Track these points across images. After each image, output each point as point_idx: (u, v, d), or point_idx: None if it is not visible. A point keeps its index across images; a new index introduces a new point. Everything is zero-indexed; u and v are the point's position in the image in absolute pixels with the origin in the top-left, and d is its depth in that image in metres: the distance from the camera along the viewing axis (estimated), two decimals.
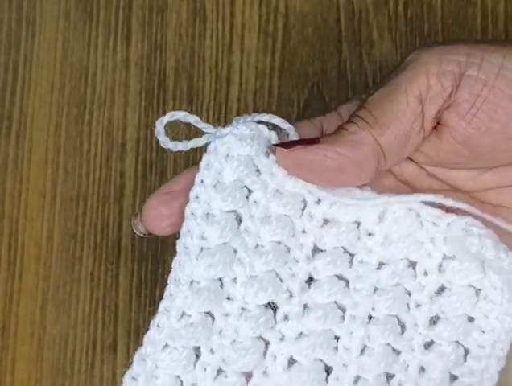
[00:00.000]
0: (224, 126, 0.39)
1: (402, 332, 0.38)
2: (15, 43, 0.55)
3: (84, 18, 0.55)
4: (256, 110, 0.53)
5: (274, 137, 0.38)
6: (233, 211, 0.38)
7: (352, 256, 0.39)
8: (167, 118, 0.38)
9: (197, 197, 0.38)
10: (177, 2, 0.55)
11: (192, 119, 0.39)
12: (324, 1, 0.54)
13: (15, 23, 0.55)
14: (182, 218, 0.38)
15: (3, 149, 0.53)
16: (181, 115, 0.39)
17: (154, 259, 0.52)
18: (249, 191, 0.38)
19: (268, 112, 0.39)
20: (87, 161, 0.53)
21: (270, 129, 0.38)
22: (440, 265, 0.39)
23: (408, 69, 0.37)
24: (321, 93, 0.53)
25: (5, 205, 0.53)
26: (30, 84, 0.54)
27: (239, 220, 0.38)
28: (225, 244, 0.38)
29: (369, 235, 0.39)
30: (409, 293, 0.39)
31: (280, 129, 0.39)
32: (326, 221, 0.39)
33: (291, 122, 0.39)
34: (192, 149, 0.39)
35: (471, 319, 0.39)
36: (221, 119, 0.53)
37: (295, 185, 0.38)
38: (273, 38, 0.54)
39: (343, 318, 0.38)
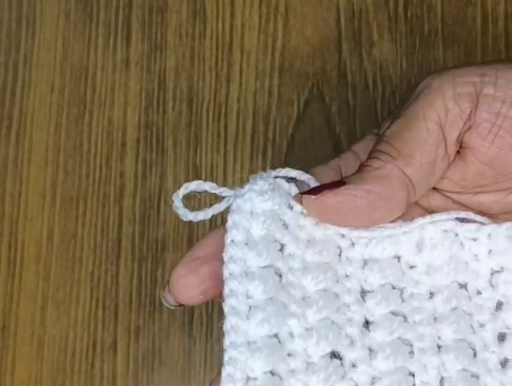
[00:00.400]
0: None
1: (475, 355, 0.37)
2: (15, 42, 0.55)
3: (84, 18, 0.55)
4: (256, 110, 0.53)
5: (294, 189, 0.38)
6: (271, 265, 0.37)
7: (401, 290, 0.38)
8: (182, 191, 0.38)
9: (232, 257, 0.37)
10: (177, 2, 0.55)
11: (207, 186, 0.38)
12: (324, 1, 0.54)
13: (15, 23, 0.55)
14: (213, 284, 0.37)
15: (3, 149, 0.53)
16: (195, 185, 0.38)
17: (154, 259, 0.52)
18: (282, 245, 0.37)
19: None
20: (87, 161, 0.53)
21: (288, 181, 0.38)
22: (491, 281, 0.38)
23: (422, 97, 0.37)
24: (321, 93, 0.53)
25: (5, 205, 0.53)
26: (30, 84, 0.54)
27: (279, 275, 0.37)
28: (271, 298, 0.37)
29: (411, 267, 0.38)
30: (470, 315, 0.38)
31: (298, 180, 0.38)
32: (366, 261, 0.38)
33: (307, 170, 0.39)
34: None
35: None
36: (221, 119, 0.53)
37: (326, 232, 0.38)
38: (273, 38, 0.54)
39: (412, 352, 0.37)
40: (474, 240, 0.38)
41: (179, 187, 0.37)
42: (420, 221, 0.38)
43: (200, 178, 0.36)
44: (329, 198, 0.36)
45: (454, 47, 0.53)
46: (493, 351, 0.37)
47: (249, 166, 0.52)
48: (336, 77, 0.53)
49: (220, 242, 0.37)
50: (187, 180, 0.51)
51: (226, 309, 0.36)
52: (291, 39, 0.53)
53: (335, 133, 0.52)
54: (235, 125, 0.53)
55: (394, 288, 0.38)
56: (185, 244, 0.52)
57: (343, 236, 0.38)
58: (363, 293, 0.38)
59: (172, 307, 0.38)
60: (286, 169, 0.38)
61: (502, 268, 0.38)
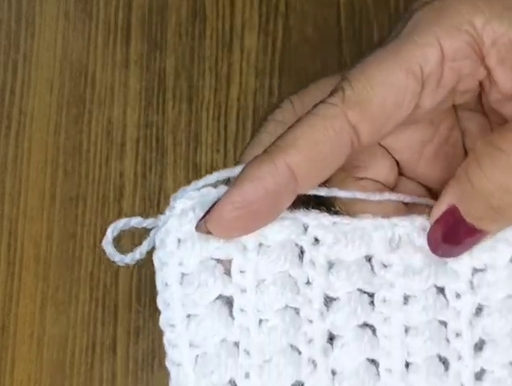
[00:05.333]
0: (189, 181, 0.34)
1: (447, 369, 0.34)
2: (15, 42, 0.55)
3: (83, 17, 0.55)
4: (256, 110, 0.53)
5: (223, 191, 0.33)
6: (219, 297, 0.33)
7: (371, 296, 0.34)
8: (110, 235, 0.34)
9: (167, 303, 0.33)
10: (177, 1, 0.55)
11: (134, 222, 0.34)
12: (325, 0, 0.54)
13: (15, 23, 0.55)
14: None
15: (2, 148, 0.53)
16: (122, 224, 0.34)
17: None
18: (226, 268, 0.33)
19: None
20: (86, 160, 0.53)
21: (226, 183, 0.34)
22: (471, 282, 0.34)
23: (408, 30, 0.33)
24: None
25: (4, 205, 0.53)
26: (30, 84, 0.54)
27: (230, 304, 0.33)
28: (221, 341, 0.33)
29: (385, 266, 0.34)
30: (445, 325, 0.34)
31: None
32: (331, 264, 0.34)
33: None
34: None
35: None
36: (221, 118, 0.53)
37: (280, 231, 0.33)
38: (273, 37, 0.53)
39: (378, 375, 0.34)
40: None
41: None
42: (377, 196, 0.34)
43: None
44: (217, 220, 0.32)
45: None
46: (467, 365, 0.34)
47: None
48: None
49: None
50: (187, 180, 0.52)
51: (169, 365, 0.33)
52: (292, 39, 0.53)
53: None
54: (235, 124, 0.53)
55: (362, 293, 0.34)
56: None
57: (304, 231, 0.33)
58: (327, 302, 0.34)
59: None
60: (216, 173, 0.34)
61: (486, 266, 0.34)
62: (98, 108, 0.53)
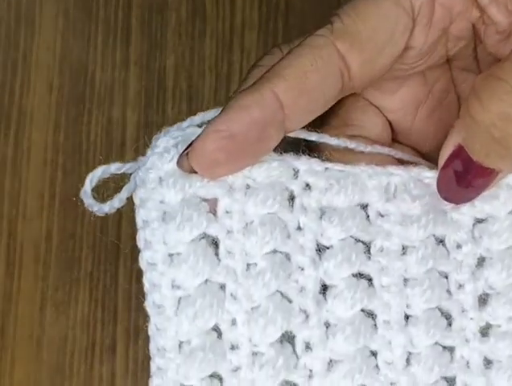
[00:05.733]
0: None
1: (450, 324, 0.32)
2: (14, 42, 0.55)
3: (83, 17, 0.55)
4: None
5: None
6: (203, 236, 0.31)
7: (367, 245, 0.32)
8: (88, 185, 0.33)
9: (148, 242, 0.31)
10: (177, 0, 0.54)
11: (113, 168, 0.33)
12: None
13: (14, 22, 0.55)
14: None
15: (2, 148, 0.53)
16: (100, 172, 0.33)
17: None
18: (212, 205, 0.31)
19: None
20: (86, 160, 0.53)
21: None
22: (473, 233, 0.32)
23: None
24: None
25: (3, 205, 0.53)
26: (30, 84, 0.54)
27: (215, 244, 0.31)
28: (206, 282, 0.31)
29: (382, 216, 0.32)
30: (446, 276, 0.32)
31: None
32: (323, 210, 0.32)
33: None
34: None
35: None
36: None
37: (268, 173, 0.31)
38: (273, 36, 0.53)
39: (375, 327, 0.32)
40: None
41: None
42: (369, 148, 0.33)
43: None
44: (200, 151, 0.30)
45: None
46: (472, 318, 0.32)
47: None
48: None
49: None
50: None
51: (149, 308, 0.31)
52: (292, 38, 0.53)
53: None
54: None
55: (358, 241, 0.32)
56: None
57: (295, 176, 0.32)
58: (319, 250, 0.32)
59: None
60: (203, 113, 0.33)
61: (487, 215, 0.33)
62: (98, 108, 0.53)
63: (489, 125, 0.30)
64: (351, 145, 0.33)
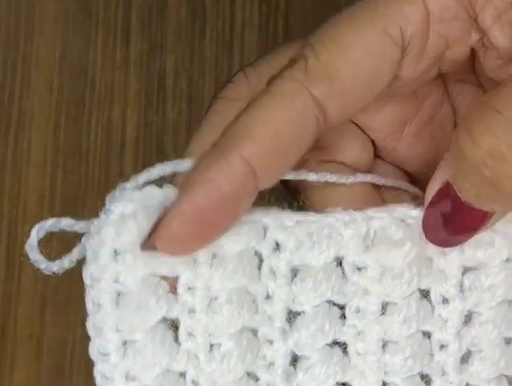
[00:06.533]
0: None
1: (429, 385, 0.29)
2: (14, 41, 0.55)
3: (83, 17, 0.55)
4: None
5: (171, 194, 0.28)
6: (163, 319, 0.28)
7: (342, 308, 0.29)
8: (34, 237, 0.29)
9: (99, 329, 0.28)
10: (177, 0, 0.54)
11: (64, 223, 0.29)
12: None
13: (14, 22, 0.55)
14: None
15: (2, 149, 0.53)
16: (49, 224, 0.29)
17: None
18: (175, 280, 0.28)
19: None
20: (86, 161, 0.53)
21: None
22: (461, 284, 0.29)
23: None
24: None
25: (3, 205, 0.53)
26: (29, 84, 0.54)
27: (175, 327, 0.28)
28: (164, 372, 0.28)
29: (359, 269, 0.29)
30: (429, 336, 0.29)
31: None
32: (295, 271, 0.29)
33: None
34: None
35: (508, 341, 0.29)
36: None
37: (237, 239, 0.28)
38: (273, 37, 0.53)
39: None
40: None
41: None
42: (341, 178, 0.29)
43: None
44: (166, 236, 0.26)
45: None
46: (451, 382, 0.29)
47: None
48: None
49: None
50: None
51: None
52: (292, 38, 0.53)
53: None
54: None
55: (332, 305, 0.29)
56: None
57: (264, 235, 0.28)
58: (290, 318, 0.29)
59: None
60: (159, 167, 0.29)
61: (479, 264, 0.29)
62: (98, 108, 0.53)
63: (479, 163, 0.26)
64: (331, 178, 0.30)
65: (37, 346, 0.51)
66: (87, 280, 0.28)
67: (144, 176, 0.29)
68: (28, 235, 0.52)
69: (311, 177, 0.29)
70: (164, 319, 0.28)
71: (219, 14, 0.54)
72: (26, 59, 0.54)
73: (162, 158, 0.53)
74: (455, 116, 0.33)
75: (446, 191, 0.27)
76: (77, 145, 0.53)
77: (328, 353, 0.29)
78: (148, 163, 0.53)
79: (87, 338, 0.51)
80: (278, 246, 0.28)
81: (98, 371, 0.28)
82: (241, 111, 0.27)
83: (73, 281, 0.51)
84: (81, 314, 0.51)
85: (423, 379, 0.29)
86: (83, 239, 0.29)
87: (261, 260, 0.29)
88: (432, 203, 0.28)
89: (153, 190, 0.28)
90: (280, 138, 0.26)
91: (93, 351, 0.28)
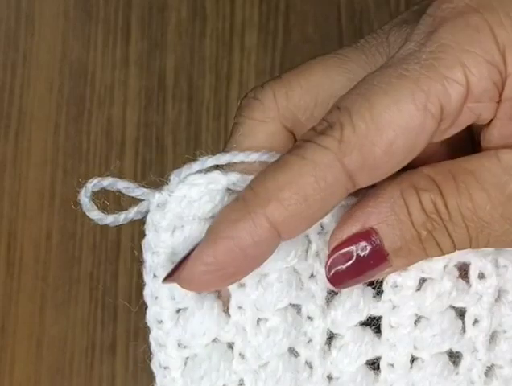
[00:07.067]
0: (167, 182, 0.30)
1: (457, 364, 0.30)
2: (14, 41, 0.54)
3: (83, 16, 0.55)
4: None
5: (235, 178, 0.29)
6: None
7: (375, 287, 0.30)
8: (90, 187, 0.30)
9: (156, 298, 0.29)
10: (177, 0, 0.54)
11: (122, 185, 0.30)
12: None
13: (14, 22, 0.55)
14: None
15: (2, 148, 0.53)
16: (108, 182, 0.30)
17: None
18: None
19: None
20: (86, 160, 0.53)
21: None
22: (496, 260, 0.29)
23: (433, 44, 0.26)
24: None
25: (4, 205, 0.53)
26: (30, 83, 0.54)
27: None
28: (216, 341, 0.29)
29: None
30: (462, 313, 0.30)
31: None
32: None
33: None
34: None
35: None
36: (221, 118, 0.53)
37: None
38: (273, 36, 0.53)
39: (377, 376, 0.30)
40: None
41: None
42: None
43: None
44: (187, 279, 0.27)
45: None
46: (480, 359, 0.30)
47: None
48: None
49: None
50: None
51: (154, 366, 0.30)
52: (292, 38, 0.53)
53: None
54: None
55: (366, 285, 0.30)
56: None
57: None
58: (329, 296, 0.30)
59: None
60: (214, 157, 0.30)
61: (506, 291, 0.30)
62: (98, 107, 0.53)
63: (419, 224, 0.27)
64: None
65: (37, 346, 0.51)
66: (144, 248, 0.29)
67: (196, 165, 0.30)
68: (28, 234, 0.52)
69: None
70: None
71: (219, 13, 0.54)
72: (27, 58, 0.54)
73: (162, 157, 0.53)
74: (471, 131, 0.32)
75: (367, 237, 0.27)
76: (77, 145, 0.53)
77: (361, 333, 0.30)
78: (148, 163, 0.53)
79: (87, 338, 0.51)
80: (322, 229, 0.29)
81: (153, 337, 0.29)
82: (270, 165, 0.27)
83: (73, 281, 0.51)
84: (81, 314, 0.51)
85: (452, 357, 0.30)
86: (141, 204, 0.30)
87: (309, 242, 0.29)
88: (347, 243, 0.28)
89: (218, 175, 0.29)
90: (307, 206, 0.26)
91: (149, 318, 0.29)
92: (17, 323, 0.51)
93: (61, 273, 0.51)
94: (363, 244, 0.27)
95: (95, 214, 0.30)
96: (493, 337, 0.30)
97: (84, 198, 0.30)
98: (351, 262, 0.28)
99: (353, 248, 0.28)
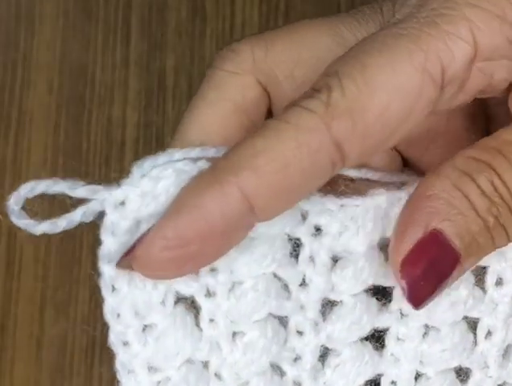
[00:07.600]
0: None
1: (464, 382, 0.27)
2: (14, 41, 0.54)
3: (83, 17, 0.55)
4: None
5: (206, 166, 0.25)
6: (179, 298, 0.26)
7: (382, 295, 0.27)
8: (23, 193, 0.25)
9: (119, 315, 0.25)
10: (177, 0, 0.54)
11: (64, 186, 0.25)
12: None
13: (14, 22, 0.55)
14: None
15: (2, 149, 0.53)
16: (44, 186, 0.25)
17: None
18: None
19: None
20: (86, 160, 0.53)
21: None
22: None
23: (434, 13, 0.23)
24: None
25: (4, 205, 0.52)
26: (29, 84, 0.54)
27: (196, 311, 0.26)
28: (190, 361, 0.26)
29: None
30: (474, 325, 0.27)
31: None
32: (335, 259, 0.26)
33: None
34: None
35: None
36: None
37: (270, 224, 0.24)
38: None
39: None
40: None
41: None
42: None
43: None
44: (143, 259, 0.24)
45: None
46: (491, 376, 0.27)
47: None
48: None
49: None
50: None
51: None
52: None
53: None
54: None
55: (371, 296, 0.27)
56: None
57: (302, 221, 0.25)
58: (325, 307, 0.27)
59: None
60: (185, 150, 0.26)
61: None
62: (98, 107, 0.53)
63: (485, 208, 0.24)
64: (374, 176, 0.27)
65: (37, 346, 0.51)
66: (101, 256, 0.26)
67: (163, 156, 0.27)
68: (28, 234, 0.52)
69: (352, 173, 0.27)
70: (182, 298, 0.26)
71: (219, 13, 0.54)
72: (27, 59, 0.54)
73: None
74: (488, 124, 0.30)
75: (434, 239, 0.24)
76: (77, 145, 0.53)
77: (360, 349, 0.26)
78: None
79: (87, 338, 0.51)
80: (318, 231, 0.26)
81: (119, 362, 0.26)
82: (250, 134, 0.24)
83: (73, 280, 0.51)
84: (81, 314, 0.51)
85: (459, 374, 0.27)
86: (93, 203, 0.26)
87: (297, 246, 0.26)
88: (416, 254, 0.24)
89: (186, 164, 0.25)
90: (286, 176, 0.23)
91: (113, 340, 0.26)
92: (16, 323, 0.51)
93: (61, 273, 0.51)
94: (433, 249, 0.24)
95: (25, 223, 0.25)
96: (506, 352, 0.28)
97: (14, 206, 0.25)
98: (428, 274, 0.24)
99: (424, 256, 0.24)
